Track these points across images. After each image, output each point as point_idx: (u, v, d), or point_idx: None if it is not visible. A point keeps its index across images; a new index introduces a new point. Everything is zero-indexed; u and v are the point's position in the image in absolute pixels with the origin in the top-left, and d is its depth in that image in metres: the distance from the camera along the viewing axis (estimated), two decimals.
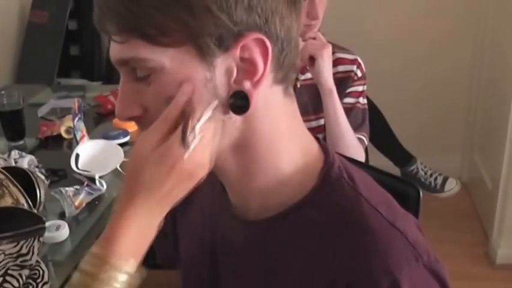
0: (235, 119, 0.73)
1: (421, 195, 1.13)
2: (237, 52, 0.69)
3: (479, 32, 3.14)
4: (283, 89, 0.76)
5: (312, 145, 0.82)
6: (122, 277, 0.70)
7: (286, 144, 0.78)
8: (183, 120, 0.70)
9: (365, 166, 1.05)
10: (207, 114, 0.71)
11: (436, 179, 3.07)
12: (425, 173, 3.07)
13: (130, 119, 0.75)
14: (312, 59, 1.70)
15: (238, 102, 0.71)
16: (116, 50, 0.71)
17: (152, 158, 0.70)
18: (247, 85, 0.71)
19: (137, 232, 0.72)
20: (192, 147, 0.70)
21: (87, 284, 0.70)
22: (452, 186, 3.07)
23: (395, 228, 0.73)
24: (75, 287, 0.71)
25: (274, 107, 0.75)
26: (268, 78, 0.72)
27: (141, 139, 0.72)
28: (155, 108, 0.72)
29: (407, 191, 1.15)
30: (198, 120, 0.70)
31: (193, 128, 0.70)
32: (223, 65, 0.70)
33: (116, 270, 0.70)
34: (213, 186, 0.86)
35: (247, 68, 0.70)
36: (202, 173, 0.73)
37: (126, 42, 0.69)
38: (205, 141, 0.71)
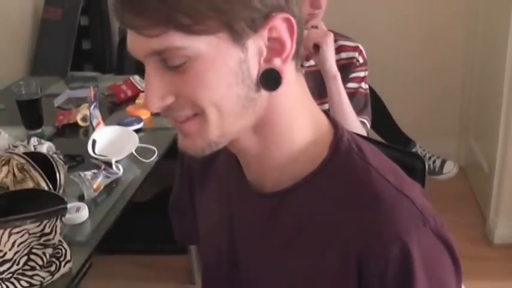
0: (263, 97, 0.76)
1: (426, 166, 1.16)
2: (265, 32, 0.72)
3: (472, 19, 3.19)
4: (295, 65, 0.79)
5: (322, 119, 0.84)
6: None
7: (299, 119, 0.81)
8: None
9: (372, 140, 1.07)
10: None
11: (434, 161, 3.13)
12: (424, 156, 3.13)
13: (162, 109, 0.75)
14: (317, 47, 1.75)
15: (271, 79, 0.74)
16: (144, 43, 0.70)
17: None
18: (277, 62, 0.74)
19: None
20: None
21: None
22: (450, 169, 3.13)
23: (404, 195, 0.76)
24: None
25: (291, 82, 0.78)
26: (293, 51, 0.75)
27: None
28: (189, 95, 0.73)
29: (413, 163, 1.17)
30: None
31: None
32: (255, 46, 0.72)
33: None
34: (228, 162, 0.90)
35: (275, 46, 0.73)
36: None
37: (158, 35, 0.69)
38: None
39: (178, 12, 0.67)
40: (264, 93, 0.75)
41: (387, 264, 0.73)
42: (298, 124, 0.81)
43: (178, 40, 0.69)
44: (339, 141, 0.81)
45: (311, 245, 0.80)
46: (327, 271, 0.78)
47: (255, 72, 0.74)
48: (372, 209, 0.75)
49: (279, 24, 0.72)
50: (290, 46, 0.74)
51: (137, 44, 0.71)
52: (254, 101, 0.75)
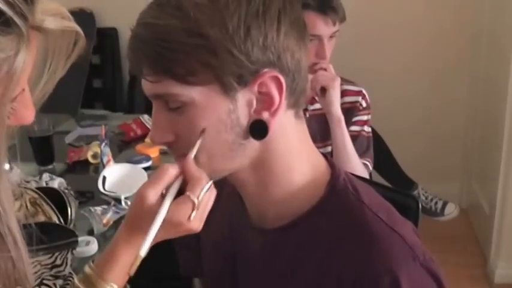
0: (254, 142, 0.82)
1: (420, 206, 1.21)
2: (256, 87, 0.79)
3: (474, 67, 3.27)
4: (295, 113, 0.85)
5: (320, 161, 0.90)
6: None
7: (297, 161, 0.87)
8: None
9: (368, 181, 1.13)
10: (209, 184, 0.79)
11: (436, 203, 3.19)
12: (426, 198, 3.19)
13: (163, 143, 0.84)
14: (323, 90, 1.81)
15: (258, 130, 0.81)
16: (149, 87, 0.80)
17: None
18: (265, 115, 0.80)
19: (125, 262, 0.82)
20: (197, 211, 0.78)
21: None
22: (451, 210, 3.19)
23: (395, 232, 0.82)
24: None
25: (288, 128, 0.85)
26: (283, 105, 0.81)
27: (147, 189, 0.79)
28: (186, 136, 0.81)
29: (407, 202, 1.22)
30: (203, 188, 0.78)
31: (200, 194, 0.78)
32: (244, 98, 0.79)
33: None
34: (232, 198, 0.95)
35: (265, 99, 0.80)
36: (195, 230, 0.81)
37: (159, 81, 0.78)
38: (205, 207, 0.80)
39: (174, 64, 0.76)
40: (253, 140, 0.81)
41: None
42: (296, 165, 0.86)
43: (174, 88, 0.78)
44: (336, 181, 0.87)
45: (308, 277, 0.85)
46: None
47: (245, 121, 0.80)
48: (365, 244, 0.81)
49: (267, 81, 0.79)
50: (278, 102, 0.80)
51: (145, 87, 0.81)
52: (243, 146, 0.82)
